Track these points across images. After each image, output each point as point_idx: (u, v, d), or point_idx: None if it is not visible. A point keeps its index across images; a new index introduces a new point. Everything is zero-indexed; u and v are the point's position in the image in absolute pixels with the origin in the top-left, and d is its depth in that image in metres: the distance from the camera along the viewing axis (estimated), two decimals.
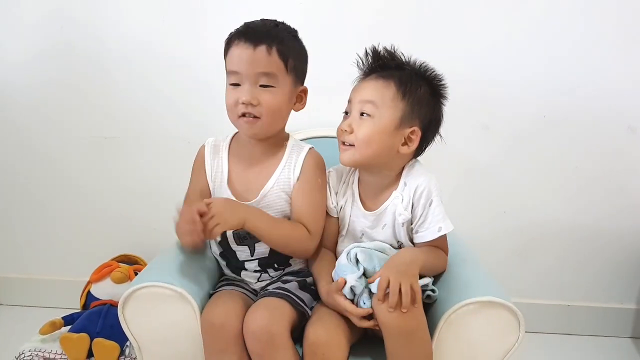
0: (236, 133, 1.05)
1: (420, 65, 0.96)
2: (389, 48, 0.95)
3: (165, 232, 1.38)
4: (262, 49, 0.91)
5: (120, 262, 1.44)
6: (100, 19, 1.42)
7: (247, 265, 1.02)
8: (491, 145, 1.45)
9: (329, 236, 1.03)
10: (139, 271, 1.36)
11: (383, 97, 0.91)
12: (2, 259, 1.64)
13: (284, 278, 1.00)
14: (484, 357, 0.88)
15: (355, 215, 1.00)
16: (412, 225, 0.96)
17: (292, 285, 0.95)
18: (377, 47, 0.96)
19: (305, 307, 0.91)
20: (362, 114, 0.93)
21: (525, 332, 0.86)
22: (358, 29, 1.35)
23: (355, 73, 1.01)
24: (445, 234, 0.94)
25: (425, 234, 0.94)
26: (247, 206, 0.96)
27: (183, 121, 1.48)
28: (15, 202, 1.59)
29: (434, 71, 0.96)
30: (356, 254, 0.89)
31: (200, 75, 1.43)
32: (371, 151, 0.92)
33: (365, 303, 0.86)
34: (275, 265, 1.02)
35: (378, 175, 0.98)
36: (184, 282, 0.91)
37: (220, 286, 1.01)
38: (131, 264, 1.44)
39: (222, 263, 1.06)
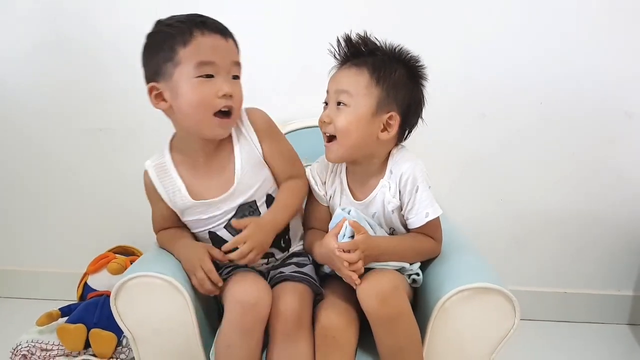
0: (172, 141, 0.98)
1: (395, 49, 0.94)
2: (362, 34, 0.94)
3: None
4: (231, 40, 0.90)
5: (117, 253, 1.44)
6: (94, 10, 1.40)
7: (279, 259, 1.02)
8: (488, 134, 1.44)
9: (320, 222, 1.02)
10: None
11: (357, 85, 0.91)
12: None
13: (295, 260, 1.01)
14: (479, 343, 0.88)
15: (344, 205, 0.99)
16: (403, 212, 0.95)
17: (309, 269, 0.98)
18: (349, 35, 0.94)
19: (322, 289, 0.95)
20: (338, 103, 0.92)
21: (522, 319, 0.86)
22: (349, 18, 1.33)
23: None
24: (436, 219, 0.93)
25: (414, 221, 0.94)
26: (271, 219, 0.94)
27: None
28: (11, 194, 1.59)
29: (409, 53, 0.94)
30: (350, 211, 0.91)
31: None
32: (352, 141, 0.92)
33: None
34: (282, 244, 1.02)
35: (364, 164, 0.97)
36: (176, 272, 0.91)
37: (229, 270, 0.99)
38: (128, 255, 1.44)
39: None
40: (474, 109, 1.42)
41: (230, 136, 0.96)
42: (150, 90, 0.90)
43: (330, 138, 0.94)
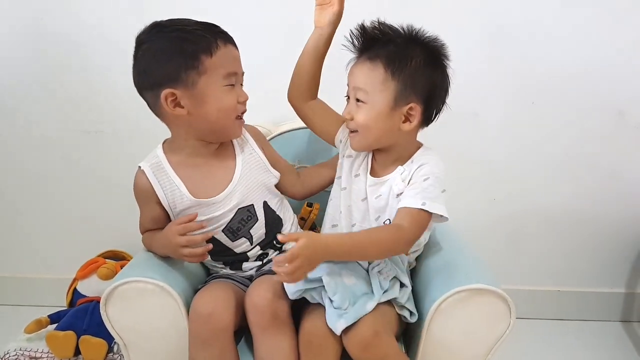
0: (165, 144, 1.00)
1: (412, 32, 0.91)
2: (375, 22, 0.91)
3: None
4: (236, 49, 0.94)
5: (107, 258, 1.42)
6: (82, 11, 1.38)
7: (249, 254, 1.00)
8: (480, 133, 1.44)
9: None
10: None
11: (372, 81, 0.89)
12: None
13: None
14: (475, 344, 0.88)
15: (359, 178, 0.99)
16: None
17: None
18: (364, 24, 0.92)
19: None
20: (357, 100, 0.92)
21: (516, 318, 0.85)
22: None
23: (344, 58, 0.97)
24: (427, 215, 0.87)
25: (406, 200, 0.88)
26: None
27: None
28: None
29: (425, 35, 0.91)
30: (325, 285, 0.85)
31: None
32: (373, 136, 0.92)
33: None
34: (275, 243, 1.01)
35: (391, 152, 0.96)
36: (167, 276, 0.90)
37: (209, 280, 1.00)
38: (118, 259, 1.43)
39: (218, 267, 1.03)
40: (467, 108, 1.42)
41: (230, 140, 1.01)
42: (166, 97, 0.88)
43: (354, 130, 0.94)
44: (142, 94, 0.93)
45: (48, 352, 1.23)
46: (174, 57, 0.87)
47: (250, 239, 0.99)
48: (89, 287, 1.36)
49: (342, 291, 0.83)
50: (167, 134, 1.43)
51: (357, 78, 0.92)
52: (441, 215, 0.89)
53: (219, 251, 0.99)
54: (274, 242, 1.01)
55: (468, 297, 0.84)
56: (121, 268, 1.33)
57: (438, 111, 0.96)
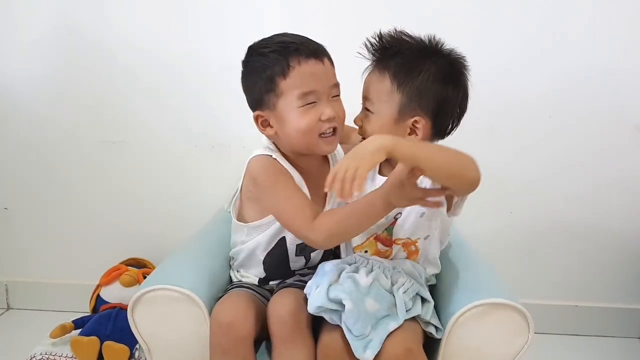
0: (276, 149, 0.98)
1: (428, 43, 0.89)
2: (392, 31, 0.90)
3: (174, 236, 1.40)
4: (326, 60, 0.91)
5: (129, 265, 1.45)
6: (107, 24, 1.43)
7: (297, 272, 1.02)
8: (497, 146, 1.45)
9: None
10: (148, 274, 1.36)
11: (379, 92, 0.90)
12: (12, 263, 1.65)
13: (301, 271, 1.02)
14: (493, 359, 0.88)
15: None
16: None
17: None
18: (381, 33, 0.91)
19: None
20: (366, 108, 0.93)
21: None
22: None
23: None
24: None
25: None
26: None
27: (191, 125, 1.49)
28: (25, 206, 1.61)
29: (441, 46, 0.90)
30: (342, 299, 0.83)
31: (206, 79, 1.44)
32: None
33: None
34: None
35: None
36: (192, 284, 0.91)
37: (230, 289, 1.01)
38: (140, 267, 1.46)
39: (247, 276, 1.04)
40: (482, 122, 1.43)
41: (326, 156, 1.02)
42: (257, 119, 0.94)
43: (363, 137, 0.93)
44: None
45: (72, 356, 1.26)
46: (254, 81, 0.91)
47: (308, 259, 1.01)
48: (111, 294, 1.39)
49: (364, 318, 0.82)
50: (191, 143, 1.48)
51: (367, 87, 0.93)
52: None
53: (276, 264, 1.00)
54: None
55: (486, 312, 0.84)
56: (143, 275, 1.38)
57: (454, 124, 0.94)
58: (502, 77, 1.39)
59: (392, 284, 0.89)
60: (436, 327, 0.89)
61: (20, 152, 1.56)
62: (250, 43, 0.94)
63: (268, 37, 0.93)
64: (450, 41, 1.32)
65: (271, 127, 0.93)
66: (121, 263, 1.46)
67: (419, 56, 0.88)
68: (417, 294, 0.90)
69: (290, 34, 0.93)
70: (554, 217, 1.49)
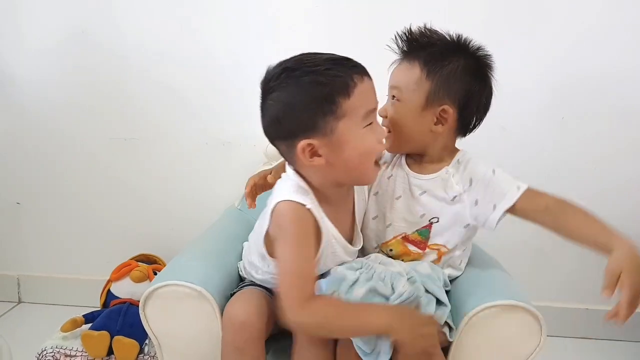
0: (307, 185, 0.87)
1: (458, 38, 0.90)
2: (422, 27, 0.91)
3: (184, 232, 1.40)
4: (370, 79, 0.83)
5: (139, 261, 1.46)
6: (123, 24, 1.44)
7: None
8: (508, 146, 1.44)
9: None
10: (158, 270, 1.38)
11: (408, 80, 0.90)
12: (24, 258, 1.67)
13: None
14: None
15: (390, 176, 0.98)
16: (475, 212, 0.90)
17: None
18: (410, 28, 0.92)
19: None
20: (393, 97, 0.93)
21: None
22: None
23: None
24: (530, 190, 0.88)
25: (502, 204, 0.88)
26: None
27: (201, 123, 1.50)
28: (36, 201, 1.62)
29: (470, 42, 0.90)
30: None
31: (216, 77, 1.45)
32: (404, 133, 0.92)
33: None
34: None
35: (424, 156, 0.95)
36: (203, 281, 0.91)
37: (243, 286, 1.01)
38: (150, 263, 1.46)
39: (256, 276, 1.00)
40: (494, 122, 1.42)
41: None
42: (303, 149, 0.79)
43: (389, 129, 0.94)
44: (273, 143, 0.85)
45: (82, 350, 1.26)
46: (310, 104, 0.77)
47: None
48: (122, 289, 1.39)
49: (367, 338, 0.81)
50: (201, 140, 1.49)
51: (395, 77, 0.93)
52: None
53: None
54: None
55: (499, 313, 0.84)
56: (153, 271, 1.39)
57: (477, 121, 0.95)
58: (513, 77, 1.37)
59: (393, 291, 0.84)
60: (450, 329, 0.89)
61: (33, 149, 1.57)
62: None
63: (306, 56, 0.80)
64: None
65: (320, 156, 0.80)
66: (131, 259, 1.47)
67: (448, 49, 0.90)
68: (431, 294, 0.88)
69: (322, 52, 0.81)
70: None
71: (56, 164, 1.58)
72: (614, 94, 1.37)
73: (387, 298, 0.83)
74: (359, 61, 0.82)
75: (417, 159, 0.97)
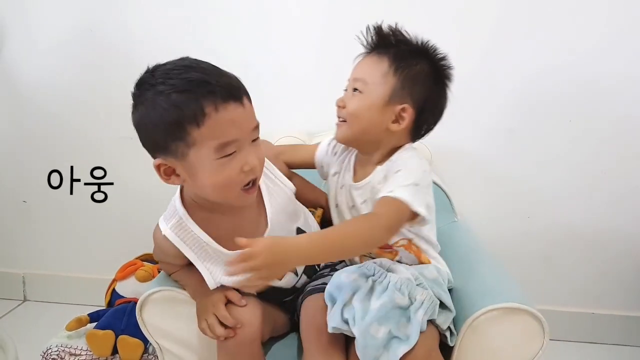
0: (182, 194, 0.87)
1: (424, 43, 0.91)
2: (393, 26, 0.91)
3: None
4: (245, 100, 0.77)
5: (145, 261, 1.46)
6: (130, 22, 1.45)
7: (297, 285, 0.97)
8: (515, 150, 1.43)
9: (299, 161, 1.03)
10: None
11: (373, 73, 0.90)
12: (29, 257, 1.69)
13: (328, 271, 0.98)
14: None
15: (342, 185, 0.97)
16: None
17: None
18: (381, 25, 0.92)
19: None
20: (354, 89, 0.92)
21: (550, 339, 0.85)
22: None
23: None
24: (399, 203, 0.80)
25: (380, 193, 0.83)
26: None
27: None
28: (42, 200, 1.63)
29: (436, 50, 0.91)
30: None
31: None
32: (360, 126, 0.90)
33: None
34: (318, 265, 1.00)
35: (371, 152, 0.94)
36: None
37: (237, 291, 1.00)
38: (154, 262, 1.46)
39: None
40: (501, 124, 1.42)
41: None
42: (159, 166, 0.77)
43: (343, 120, 0.93)
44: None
45: (87, 349, 1.27)
46: (160, 126, 0.73)
47: (295, 271, 0.96)
48: (127, 289, 1.40)
49: (371, 345, 0.79)
50: None
51: (360, 69, 0.93)
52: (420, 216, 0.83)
53: (268, 292, 0.92)
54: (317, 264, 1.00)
55: (501, 316, 0.83)
56: (158, 271, 1.39)
57: (428, 127, 0.94)
58: (521, 80, 1.37)
59: (411, 302, 0.82)
60: (451, 333, 0.88)
61: (40, 147, 1.59)
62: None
63: (168, 65, 0.75)
64: (470, 45, 1.33)
65: (177, 175, 0.78)
66: (137, 258, 1.48)
67: (417, 51, 0.91)
68: (437, 298, 0.87)
69: (197, 62, 0.76)
70: (572, 222, 1.47)
71: (63, 163, 1.59)
72: (622, 98, 1.36)
73: (406, 309, 0.81)
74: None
75: (365, 159, 0.96)
